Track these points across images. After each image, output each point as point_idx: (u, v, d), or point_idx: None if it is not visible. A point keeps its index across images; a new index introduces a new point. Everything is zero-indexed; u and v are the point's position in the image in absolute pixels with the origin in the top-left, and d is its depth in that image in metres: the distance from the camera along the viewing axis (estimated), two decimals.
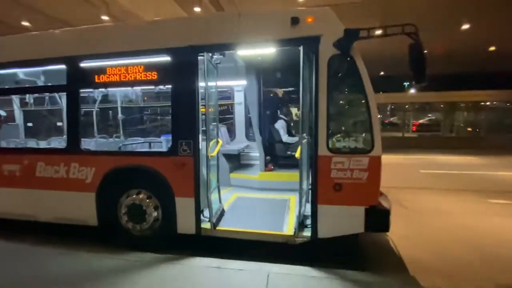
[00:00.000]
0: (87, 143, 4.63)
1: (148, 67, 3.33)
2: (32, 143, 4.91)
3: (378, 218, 2.89)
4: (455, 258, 3.35)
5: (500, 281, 2.85)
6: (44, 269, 3.02)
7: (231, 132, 6.07)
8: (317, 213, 3.00)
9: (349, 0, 12.29)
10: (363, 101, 2.87)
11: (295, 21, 2.91)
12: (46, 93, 5.25)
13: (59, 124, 5.84)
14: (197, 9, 10.26)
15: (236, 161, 5.38)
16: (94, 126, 5.15)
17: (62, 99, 5.25)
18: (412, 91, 20.72)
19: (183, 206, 3.29)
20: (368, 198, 2.90)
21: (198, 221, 3.30)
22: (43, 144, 4.97)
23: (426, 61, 2.70)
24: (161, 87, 3.92)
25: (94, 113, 5.13)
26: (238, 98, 5.61)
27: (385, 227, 2.92)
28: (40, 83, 4.56)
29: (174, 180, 3.28)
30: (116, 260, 3.16)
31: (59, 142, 4.94)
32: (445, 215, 4.81)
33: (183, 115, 3.28)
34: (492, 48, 14.93)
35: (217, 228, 3.34)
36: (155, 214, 3.41)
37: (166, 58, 3.27)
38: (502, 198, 5.81)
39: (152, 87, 4.18)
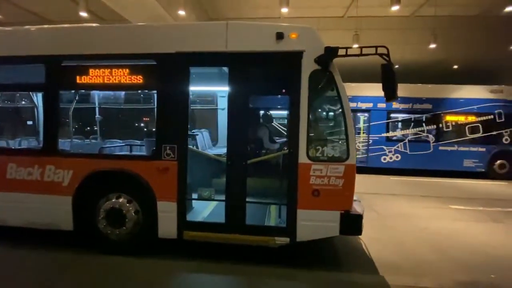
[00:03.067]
0: (63, 144, 4.51)
1: (135, 71, 3.33)
2: (1, 143, 4.66)
3: (352, 222, 3.07)
4: (419, 258, 3.64)
5: (457, 278, 3.16)
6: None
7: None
8: (296, 217, 3.12)
9: (330, 15, 12.92)
10: (340, 113, 3.10)
11: (280, 35, 3.07)
12: (20, 91, 5.01)
13: (29, 123, 5.58)
14: (181, 12, 10.22)
15: (207, 165, 5.42)
16: (70, 127, 4.99)
17: (35, 97, 5.04)
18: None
19: (165, 211, 3.28)
20: (343, 203, 3.09)
21: (180, 225, 3.29)
22: (12, 144, 4.73)
23: (396, 81, 2.95)
24: (144, 90, 3.90)
25: (71, 113, 4.98)
26: (222, 103, 5.69)
27: (358, 231, 3.11)
28: (14, 80, 4.38)
29: (157, 184, 3.27)
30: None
31: (29, 142, 4.71)
32: (411, 219, 5.19)
33: (168, 120, 3.31)
34: (455, 66, 16.32)
35: (199, 232, 3.34)
36: (135, 218, 3.37)
37: (152, 63, 3.29)
38: (461, 204, 6.36)
39: (137, 91, 4.17)
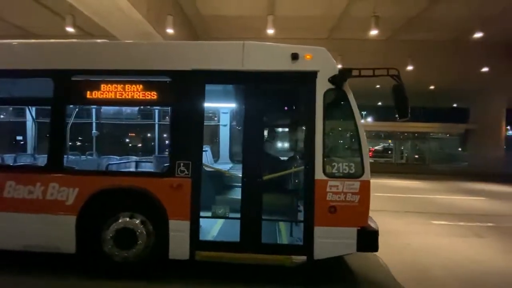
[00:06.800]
0: (68, 161, 4.28)
1: (149, 87, 3.28)
2: None
3: (368, 239, 3.07)
4: (401, 276, 3.59)
5: None
6: None
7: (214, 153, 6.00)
8: (314, 234, 3.08)
9: (314, 36, 13.51)
10: (354, 131, 3.17)
11: (295, 56, 3.16)
12: (25, 105, 4.80)
13: (19, 138, 5.34)
14: (170, 31, 10.37)
15: (220, 182, 5.34)
16: (76, 143, 4.92)
17: (32, 111, 4.85)
18: (369, 119, 22.66)
19: (177, 230, 3.14)
20: (360, 220, 3.09)
21: (192, 245, 3.15)
22: (9, 161, 4.46)
23: (408, 100, 3.08)
24: (158, 107, 3.77)
25: (77, 129, 4.84)
26: (224, 120, 5.70)
27: (375, 247, 3.10)
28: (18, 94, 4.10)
29: (169, 202, 3.15)
30: None
31: (25, 159, 4.49)
32: (395, 235, 5.12)
33: (182, 136, 3.24)
34: (432, 87, 17.24)
35: (212, 252, 3.19)
36: (146, 238, 3.19)
37: (167, 79, 3.27)
38: (443, 219, 6.50)
39: (151, 107, 4.07)
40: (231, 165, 5.74)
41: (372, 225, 3.19)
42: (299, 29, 13.11)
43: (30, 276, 3.26)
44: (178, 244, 3.14)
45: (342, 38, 13.62)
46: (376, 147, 24.50)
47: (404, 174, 15.62)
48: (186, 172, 3.15)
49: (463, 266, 3.92)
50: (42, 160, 4.74)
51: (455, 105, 22.05)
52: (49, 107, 3.48)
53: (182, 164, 3.15)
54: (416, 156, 22.55)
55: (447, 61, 13.64)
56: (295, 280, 3.31)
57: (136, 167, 4.71)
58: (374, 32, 10.91)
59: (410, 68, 12.78)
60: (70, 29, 9.96)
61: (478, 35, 11.40)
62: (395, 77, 3.12)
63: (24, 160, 4.59)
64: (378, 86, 15.14)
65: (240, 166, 4.43)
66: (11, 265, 3.46)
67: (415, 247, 4.64)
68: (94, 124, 5.25)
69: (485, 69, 14.19)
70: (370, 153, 23.73)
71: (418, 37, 13.76)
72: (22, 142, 5.28)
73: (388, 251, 4.33)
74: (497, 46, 14.39)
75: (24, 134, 5.15)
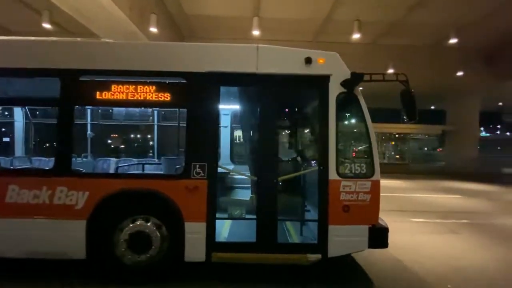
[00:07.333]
0: (76, 163, 4.18)
1: (163, 88, 3.23)
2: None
3: (379, 236, 3.19)
4: (381, 273, 3.68)
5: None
6: None
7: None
8: (328, 233, 3.16)
9: (300, 39, 13.71)
10: (365, 132, 3.27)
11: (308, 60, 3.23)
12: (31, 106, 4.60)
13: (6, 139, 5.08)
14: (153, 30, 10.19)
15: (222, 184, 5.33)
16: (85, 145, 4.73)
17: (21, 111, 4.66)
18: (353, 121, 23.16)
19: (193, 232, 3.10)
20: (371, 218, 3.21)
21: (208, 247, 3.12)
22: (6, 163, 4.25)
23: (415, 103, 3.22)
24: (172, 108, 3.76)
25: (85, 130, 4.64)
26: (224, 121, 5.67)
27: (385, 244, 3.21)
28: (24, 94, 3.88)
29: (185, 205, 3.11)
30: None
31: (20, 162, 4.33)
32: None
33: (198, 137, 3.22)
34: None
35: (228, 253, 3.18)
36: (161, 242, 3.13)
37: (182, 81, 3.24)
38: (422, 217, 6.77)
39: (164, 108, 4.06)
40: (232, 166, 5.75)
41: (381, 222, 3.31)
42: (284, 31, 13.25)
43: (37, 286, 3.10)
44: (194, 246, 3.11)
45: (326, 41, 13.88)
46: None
47: (385, 174, 15.99)
48: (202, 173, 3.13)
49: (440, 261, 4.09)
50: (37, 163, 4.58)
51: (433, 107, 23.06)
52: (53, 108, 3.40)
53: (197, 166, 3.13)
54: (397, 156, 23.35)
55: (425, 65, 14.25)
56: (292, 280, 3.35)
57: (149, 169, 4.60)
58: (357, 36, 11.25)
59: (391, 71, 13.26)
60: (47, 26, 9.56)
61: (453, 41, 11.99)
62: (403, 82, 3.25)
63: (18, 163, 4.37)
64: (361, 88, 15.59)
65: (240, 167, 4.51)
66: (11, 271, 3.31)
67: (395, 244, 4.80)
68: (105, 126, 5.15)
69: (460, 73, 14.94)
70: (354, 153, 24.36)
71: (399, 42, 14.29)
72: (8, 144, 5.01)
73: (368, 249, 4.46)
74: (471, 52, 15.18)
75: (12, 135, 4.89)
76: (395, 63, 13.36)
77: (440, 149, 23.98)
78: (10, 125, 5.04)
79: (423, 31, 13.12)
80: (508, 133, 32.15)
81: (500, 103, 24.17)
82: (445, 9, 11.12)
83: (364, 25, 11.08)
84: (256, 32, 11.68)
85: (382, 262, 4.01)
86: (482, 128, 26.96)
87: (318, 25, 12.97)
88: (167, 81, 3.28)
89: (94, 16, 8.84)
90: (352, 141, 3.85)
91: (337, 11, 11.66)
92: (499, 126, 34.11)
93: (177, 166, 3.33)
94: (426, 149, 25.58)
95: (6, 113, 5.15)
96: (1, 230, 3.06)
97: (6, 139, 5.19)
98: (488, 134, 32.75)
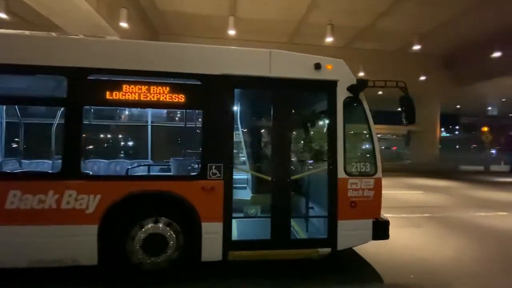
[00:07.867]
0: (86, 166, 4.09)
1: (177, 90, 3.21)
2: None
3: (382, 228, 3.45)
4: (347, 265, 3.86)
5: (379, 280, 3.51)
6: None
7: None
8: (337, 228, 3.36)
9: (275, 40, 13.89)
10: (368, 134, 3.54)
11: (318, 66, 3.40)
12: (37, 105, 4.25)
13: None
14: (124, 25, 9.77)
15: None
16: (94, 146, 4.51)
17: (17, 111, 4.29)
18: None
19: (210, 232, 3.14)
20: (374, 212, 3.47)
21: (225, 246, 3.16)
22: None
23: (414, 108, 3.52)
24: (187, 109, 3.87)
25: (95, 131, 4.41)
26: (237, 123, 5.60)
27: (387, 235, 3.48)
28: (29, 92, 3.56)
29: (201, 205, 3.12)
30: None
31: (12, 165, 4.09)
32: None
33: (214, 138, 3.24)
34: (380, 92, 18.92)
35: (244, 251, 3.24)
36: (178, 243, 3.14)
37: (196, 83, 3.22)
38: (388, 212, 7.08)
39: (178, 109, 4.14)
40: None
41: (382, 216, 3.54)
42: (260, 32, 13.35)
43: None
44: (211, 246, 3.15)
45: (301, 44, 14.23)
46: None
47: None
48: (218, 174, 3.16)
49: (404, 252, 4.37)
50: (33, 166, 4.38)
51: (399, 109, 24.47)
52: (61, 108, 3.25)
53: (214, 167, 3.17)
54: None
55: (392, 69, 15.10)
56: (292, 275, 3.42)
57: (164, 170, 4.53)
58: (330, 39, 11.66)
59: (361, 74, 13.89)
60: (2, 15, 8.80)
61: (416, 47, 12.85)
62: (402, 89, 3.56)
63: (10, 166, 4.05)
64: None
65: (240, 167, 4.60)
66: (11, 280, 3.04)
67: None
68: (115, 126, 4.90)
69: (422, 78, 16.05)
70: (359, 153, 25.27)
71: (369, 46, 15.03)
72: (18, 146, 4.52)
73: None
74: (432, 58, 16.38)
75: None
76: (365, 67, 14.05)
77: (395, 147, 25.55)
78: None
79: (390, 37, 13.91)
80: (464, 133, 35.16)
81: (458, 106, 26.37)
82: (409, 17, 11.88)
83: (337, 29, 11.49)
84: (231, 32, 11.65)
85: (348, 258, 4.15)
86: (442, 129, 29.18)
87: (293, 27, 13.23)
88: (181, 82, 3.25)
89: (58, 7, 8.27)
90: (357, 142, 4.11)
91: (311, 14, 11.98)
92: (457, 127, 37.27)
93: (196, 167, 3.36)
94: (394, 148, 27.12)
95: None
96: (2, 239, 2.84)
97: None
98: (448, 134, 35.58)
